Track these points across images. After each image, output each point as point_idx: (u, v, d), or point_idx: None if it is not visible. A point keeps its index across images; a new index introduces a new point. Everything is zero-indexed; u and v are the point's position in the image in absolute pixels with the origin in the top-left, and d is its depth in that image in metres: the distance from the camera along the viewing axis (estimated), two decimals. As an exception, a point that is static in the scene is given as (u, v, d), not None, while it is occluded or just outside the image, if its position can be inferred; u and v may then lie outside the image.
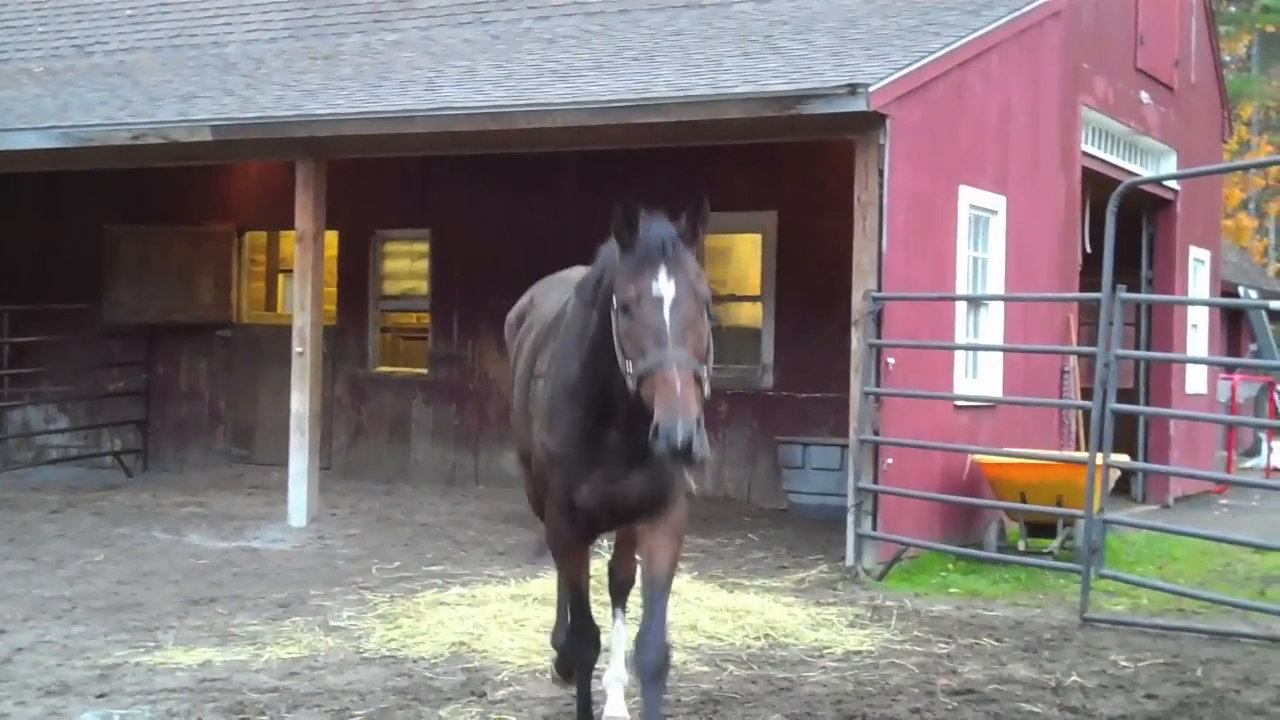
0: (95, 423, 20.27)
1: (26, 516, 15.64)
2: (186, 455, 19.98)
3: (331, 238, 17.59)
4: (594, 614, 7.11)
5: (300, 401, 15.05)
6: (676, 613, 9.31)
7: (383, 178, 18.40)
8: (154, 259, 19.65)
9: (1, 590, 11.48)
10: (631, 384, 5.73)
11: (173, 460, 20.00)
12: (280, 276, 20.22)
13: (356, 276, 19.35)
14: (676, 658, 8.86)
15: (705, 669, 8.97)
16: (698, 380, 5.62)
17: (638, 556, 6.90)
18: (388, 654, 9.30)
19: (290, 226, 15.63)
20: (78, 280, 19.67)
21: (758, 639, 9.87)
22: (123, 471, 19.56)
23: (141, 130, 15.46)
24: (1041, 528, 13.46)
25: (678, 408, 5.45)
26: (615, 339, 5.87)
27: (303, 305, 15.16)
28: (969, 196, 14.52)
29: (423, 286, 19.15)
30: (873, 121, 12.63)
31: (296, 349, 15.05)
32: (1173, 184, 19.70)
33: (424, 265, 19.12)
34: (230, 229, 19.95)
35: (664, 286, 5.69)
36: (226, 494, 17.35)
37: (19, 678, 8.67)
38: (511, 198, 17.53)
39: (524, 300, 7.88)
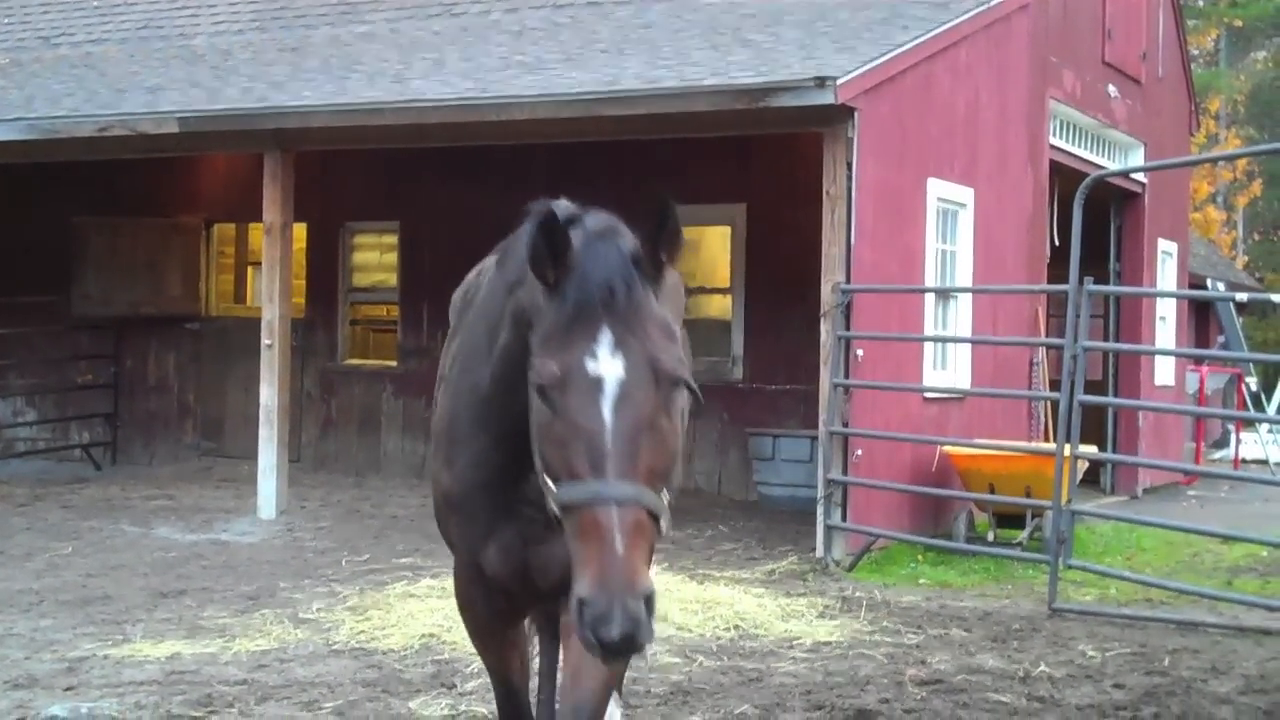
0: (64, 416, 20.19)
1: (-7, 510, 15.59)
2: (155, 448, 19.92)
3: (300, 230, 17.58)
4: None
5: (269, 394, 15.01)
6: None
7: (352, 170, 18.36)
8: (122, 251, 19.56)
9: (-31, 584, 11.44)
10: (551, 506, 3.86)
11: (141, 453, 19.93)
12: (249, 269, 20.16)
13: (326, 269, 19.30)
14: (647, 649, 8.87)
15: (675, 660, 8.99)
16: (655, 519, 3.77)
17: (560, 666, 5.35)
18: (357, 646, 9.29)
19: (259, 219, 15.59)
20: (45, 273, 19.58)
21: (728, 630, 9.89)
22: (91, 465, 19.48)
23: (108, 122, 15.39)
24: (1010, 519, 13.52)
25: (615, 580, 3.54)
26: (531, 428, 4.01)
27: (271, 298, 15.11)
28: (937, 189, 14.57)
29: (392, 279, 19.11)
30: (841, 114, 12.65)
31: (265, 342, 15.01)
32: (1141, 177, 19.80)
33: (393, 258, 19.09)
34: (199, 221, 19.89)
35: (606, 364, 3.78)
36: (195, 487, 17.31)
37: (-13, 671, 8.64)
38: (482, 190, 17.49)
39: (472, 275, 5.60)
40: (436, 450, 4.93)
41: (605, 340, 3.81)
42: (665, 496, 3.84)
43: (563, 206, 4.28)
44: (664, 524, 3.81)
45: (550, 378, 3.81)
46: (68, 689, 8.24)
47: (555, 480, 3.82)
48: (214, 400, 19.63)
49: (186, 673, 8.58)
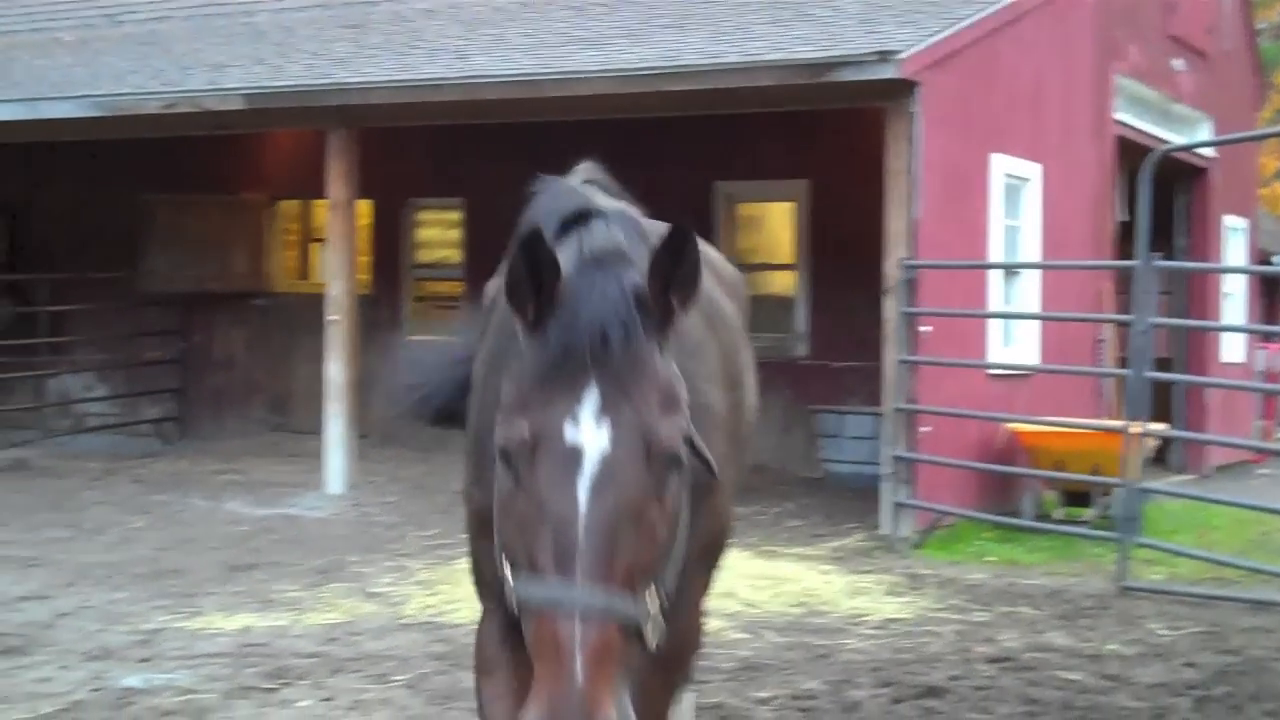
0: (133, 391, 20.36)
1: (67, 484, 15.76)
2: (223, 423, 20.06)
3: (365, 206, 17.64)
4: None
5: (335, 370, 15.10)
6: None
7: (416, 146, 18.40)
8: (188, 228, 19.70)
9: (44, 557, 11.58)
10: (509, 601, 3.20)
11: (210, 428, 20.08)
12: (313, 245, 20.26)
13: (390, 245, 19.39)
14: (714, 624, 8.91)
15: (743, 636, 9.01)
16: (632, 635, 3.06)
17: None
18: (426, 620, 9.36)
19: (323, 195, 15.67)
20: (114, 249, 19.73)
21: (795, 606, 9.91)
22: (161, 439, 19.66)
23: (173, 99, 15.51)
24: (1078, 496, 13.46)
25: (566, 713, 2.89)
26: (492, 502, 3.40)
27: (336, 274, 15.20)
28: (1002, 164, 14.48)
29: (455, 255, 19.17)
30: (904, 89, 12.60)
31: (331, 317, 15.11)
32: (1207, 152, 19.60)
33: (457, 234, 19.14)
34: (263, 198, 20.00)
35: (588, 432, 3.08)
36: (264, 462, 17.44)
37: (63, 643, 8.76)
38: (544, 166, 17.38)
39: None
40: (467, 464, 4.18)
41: (590, 401, 3.09)
42: (653, 599, 3.13)
43: (568, 196, 3.74)
44: (649, 635, 3.10)
45: (516, 441, 3.11)
46: (142, 660, 8.35)
47: (513, 566, 3.16)
48: (281, 375, 19.76)
49: (258, 645, 8.67)
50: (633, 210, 3.96)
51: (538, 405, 3.12)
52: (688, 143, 16.46)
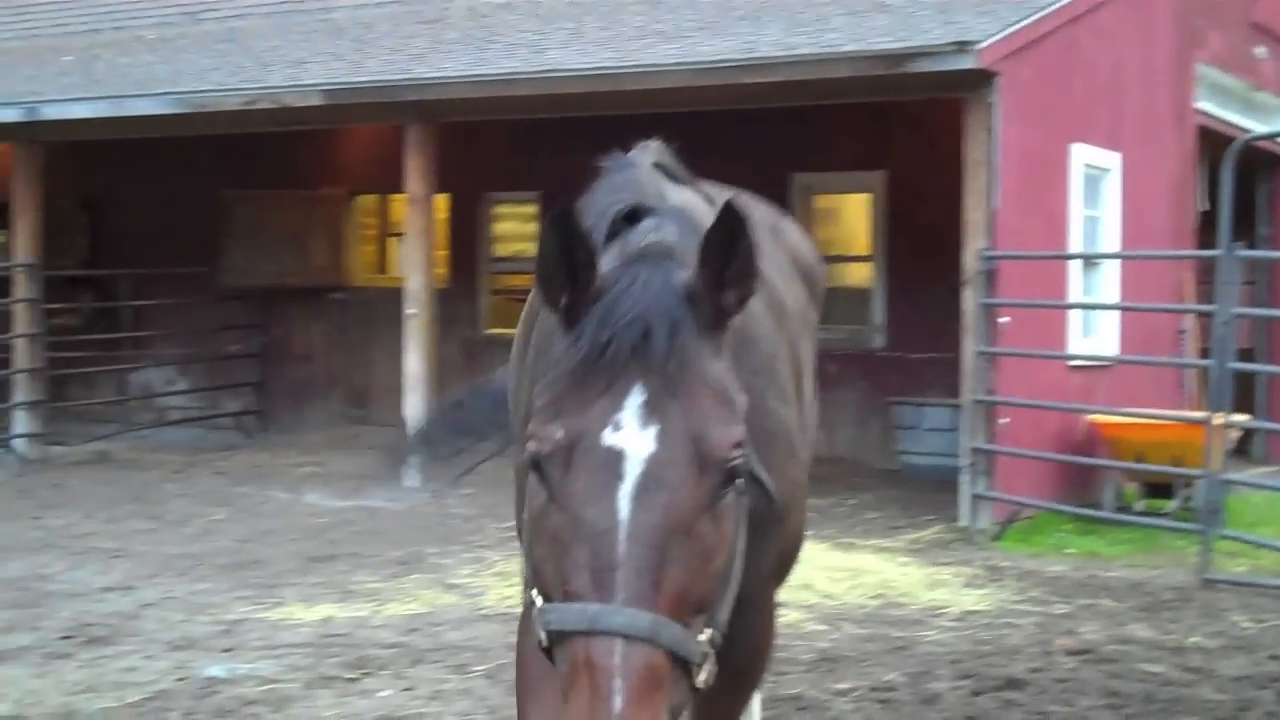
0: (214, 384, 20.56)
1: (149, 476, 15.94)
2: (303, 416, 20.23)
3: (442, 201, 17.73)
4: None
5: (414, 363, 15.20)
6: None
7: (493, 141, 18.48)
8: (268, 223, 19.88)
9: (128, 548, 11.73)
10: (539, 632, 2.82)
11: (290, 421, 20.25)
12: (390, 240, 20.39)
13: (467, 239, 19.47)
14: (792, 616, 8.91)
15: (821, 627, 8.99)
16: (680, 669, 2.73)
17: None
18: (505, 611, 9.39)
19: (400, 190, 15.78)
20: (194, 244, 19.94)
21: (873, 598, 9.88)
22: (241, 432, 19.84)
23: (253, 96, 15.66)
24: (1159, 488, 13.32)
25: None
26: (517, 518, 3.37)
27: (415, 268, 15.31)
28: (1082, 154, 14.36)
29: (532, 249, 19.17)
30: (982, 79, 12.53)
31: (410, 311, 15.20)
32: (1291, 140, 19.34)
33: (534, 227, 19.20)
34: (342, 193, 20.14)
35: (631, 435, 2.79)
36: (343, 454, 17.56)
37: (147, 633, 8.87)
38: (620, 159, 17.51)
39: None
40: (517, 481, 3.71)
41: (633, 401, 2.80)
42: (705, 636, 2.78)
43: (625, 190, 3.48)
44: (702, 674, 2.77)
45: (549, 446, 2.82)
46: (225, 650, 8.44)
47: (544, 592, 2.83)
48: (359, 369, 19.90)
49: (339, 636, 8.74)
50: (697, 198, 3.78)
51: (573, 407, 2.83)
52: (764, 135, 16.43)
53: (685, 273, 2.95)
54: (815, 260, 5.54)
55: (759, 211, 4.93)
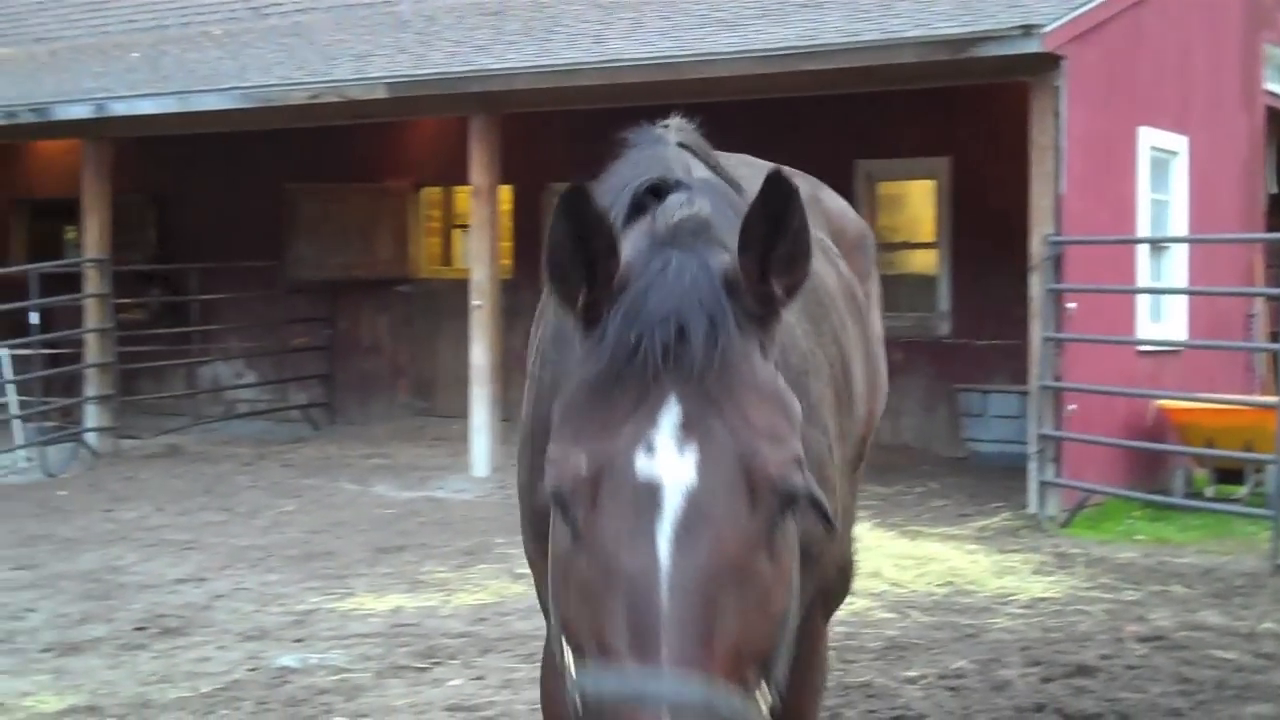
0: (282, 377, 20.71)
1: (220, 469, 16.09)
2: (370, 408, 20.34)
3: (506, 192, 17.78)
4: None
5: (480, 354, 15.26)
6: (858, 560, 9.36)
7: (556, 131, 18.51)
8: (333, 216, 20.00)
9: (200, 540, 11.85)
10: (572, 697, 2.41)
11: (357, 413, 20.37)
12: (455, 231, 20.46)
13: (531, 230, 19.49)
14: (860, 604, 8.90)
15: (889, 615, 8.98)
16: None
17: None
18: (573, 601, 9.42)
19: (464, 182, 15.84)
20: (261, 238, 20.08)
21: (941, 586, 9.85)
22: (309, 425, 19.97)
23: (319, 89, 15.76)
24: (1230, 473, 13.21)
25: None
26: (548, 566, 2.59)
27: (480, 259, 15.37)
28: (1149, 137, 14.25)
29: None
30: (1048, 63, 12.45)
31: (475, 302, 15.26)
32: (1362, 120, 19.11)
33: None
34: (407, 185, 20.23)
35: (668, 462, 2.40)
36: (410, 445, 17.66)
37: (219, 623, 8.97)
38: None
39: None
40: (521, 453, 3.61)
41: (670, 419, 2.39)
42: (764, 699, 2.41)
43: (649, 164, 3.11)
44: None
45: (571, 478, 2.41)
46: (297, 641, 8.52)
47: (576, 650, 2.42)
48: (426, 360, 19.99)
49: (409, 625, 8.80)
50: (726, 178, 3.40)
51: (597, 429, 2.41)
52: (827, 121, 16.39)
53: (724, 256, 2.56)
54: (860, 229, 5.26)
55: (796, 180, 4.70)
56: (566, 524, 2.43)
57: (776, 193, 2.49)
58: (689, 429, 2.39)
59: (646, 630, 2.28)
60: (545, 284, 2.75)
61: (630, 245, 2.63)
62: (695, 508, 2.35)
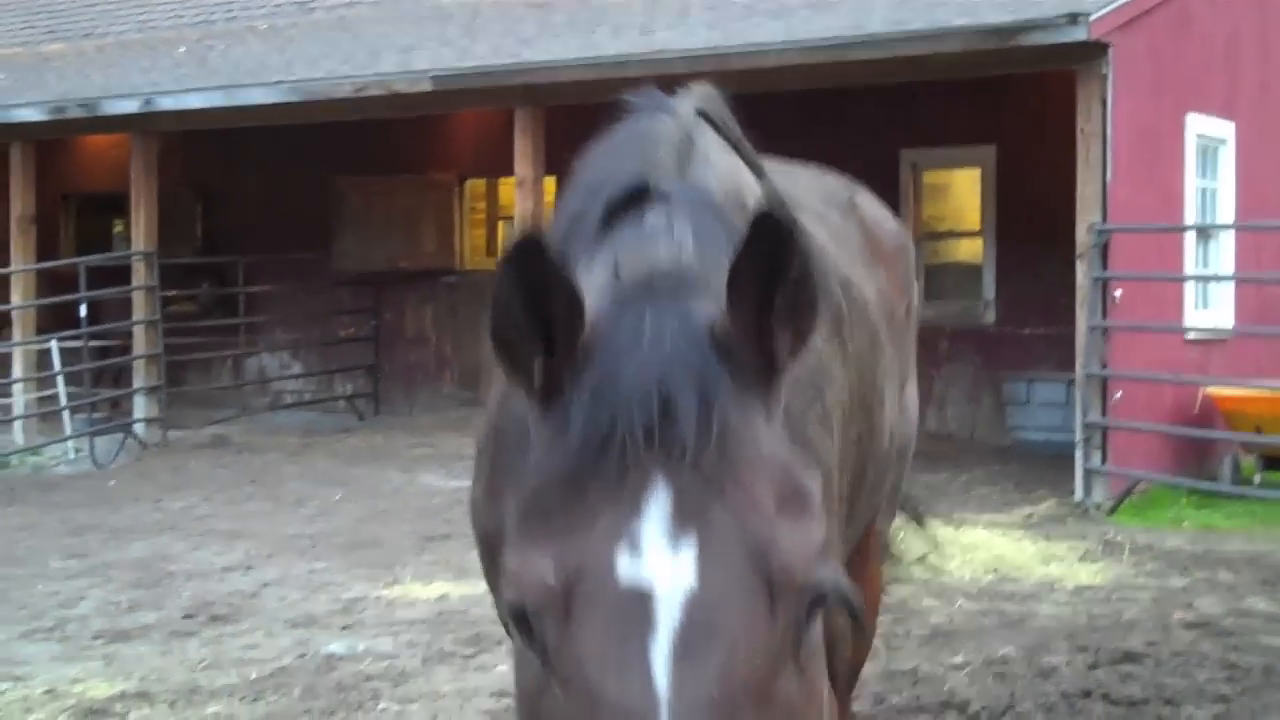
0: (328, 368, 20.80)
1: (267, 459, 16.19)
2: (415, 398, 20.41)
3: (551, 184, 17.81)
4: None
5: (524, 345, 15.27)
6: (904, 547, 9.35)
7: (601, 122, 18.51)
8: (379, 208, 20.08)
9: (247, 529, 11.93)
10: None
11: (402, 403, 20.44)
12: (500, 223, 20.50)
13: (575, 221, 19.53)
14: (905, 590, 8.89)
15: (934, 602, 8.96)
16: None
17: None
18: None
19: (509, 174, 15.87)
20: (306, 230, 20.18)
21: (987, 573, 9.83)
22: (355, 415, 20.06)
23: (364, 82, 15.83)
24: (1277, 460, 13.14)
25: None
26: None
27: (525, 250, 15.38)
28: (1196, 124, 14.17)
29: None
30: (1094, 51, 12.39)
31: (520, 293, 15.27)
32: None
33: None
34: (451, 177, 20.28)
35: (656, 561, 1.90)
36: (455, 435, 17.65)
37: (268, 611, 9.04)
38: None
39: None
40: (477, 463, 3.32)
41: (657, 511, 1.90)
42: None
43: (635, 156, 2.65)
44: None
45: (537, 593, 1.91)
46: (344, 628, 8.57)
47: None
48: (470, 351, 20.03)
49: (455, 613, 8.84)
50: (740, 168, 3.00)
51: (566, 528, 1.92)
52: (871, 111, 16.35)
53: (711, 307, 2.08)
54: (899, 238, 4.84)
55: (829, 184, 4.50)
56: (534, 651, 1.93)
57: (765, 239, 1.96)
58: (684, 518, 1.89)
59: None
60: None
61: (596, 292, 2.13)
62: (698, 619, 1.85)
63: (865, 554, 4.02)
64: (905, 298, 4.65)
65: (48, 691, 7.35)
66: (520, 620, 1.92)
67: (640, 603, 1.85)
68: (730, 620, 1.85)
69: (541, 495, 1.97)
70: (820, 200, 4.25)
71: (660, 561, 1.87)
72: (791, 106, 16.97)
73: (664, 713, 1.80)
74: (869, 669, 6.94)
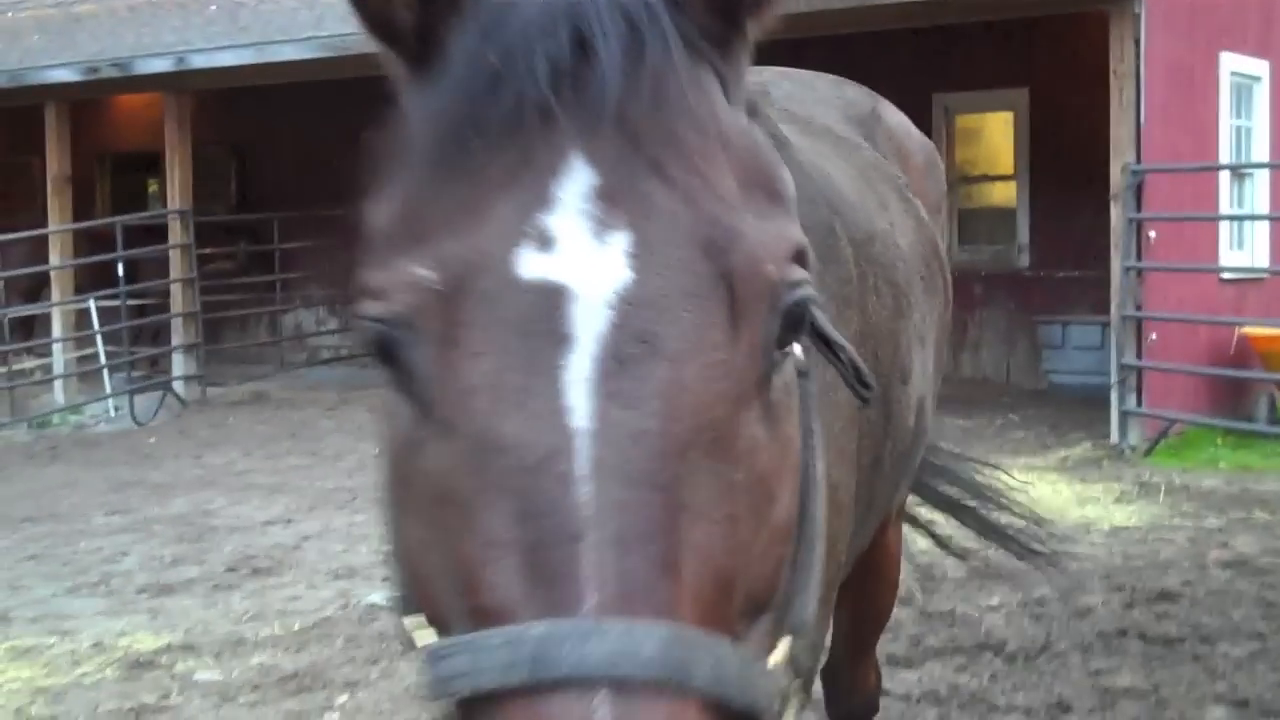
0: (363, 324, 20.85)
1: (305, 414, 16.30)
2: (450, 352, 20.45)
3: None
4: None
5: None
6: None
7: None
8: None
9: (287, 483, 12.03)
10: (435, 694, 1.30)
11: (436, 358, 20.47)
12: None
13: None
14: (942, 532, 8.91)
15: (971, 545, 8.98)
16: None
17: None
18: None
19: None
20: (340, 186, 20.20)
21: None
22: (391, 370, 20.11)
23: (395, 37, 15.80)
24: (1314, 400, 13.12)
25: None
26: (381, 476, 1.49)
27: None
28: (1230, 63, 14.07)
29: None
30: (1128, -11, 12.32)
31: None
32: None
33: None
34: (483, 130, 20.28)
35: (574, 250, 1.36)
36: (490, 389, 17.75)
37: (309, 563, 9.13)
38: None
39: None
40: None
41: (574, 187, 1.40)
42: (778, 653, 1.50)
43: None
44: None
45: (413, 298, 1.41)
46: (385, 579, 8.61)
47: (432, 615, 1.43)
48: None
49: (495, 563, 8.90)
50: None
51: (449, 215, 1.43)
52: (904, 55, 16.28)
53: None
54: (928, 150, 4.41)
55: (849, 94, 4.12)
56: (403, 391, 1.43)
57: None
58: (612, 198, 1.39)
59: (558, 555, 1.28)
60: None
61: None
62: (631, 326, 1.35)
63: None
64: (936, 218, 4.10)
65: (95, 645, 7.46)
66: (385, 347, 1.42)
67: (552, 305, 1.35)
68: (674, 329, 1.35)
69: (416, 179, 1.48)
70: (840, 114, 3.86)
71: (579, 254, 1.36)
72: (823, 51, 16.91)
73: (582, 455, 1.30)
74: (905, 612, 7.00)
